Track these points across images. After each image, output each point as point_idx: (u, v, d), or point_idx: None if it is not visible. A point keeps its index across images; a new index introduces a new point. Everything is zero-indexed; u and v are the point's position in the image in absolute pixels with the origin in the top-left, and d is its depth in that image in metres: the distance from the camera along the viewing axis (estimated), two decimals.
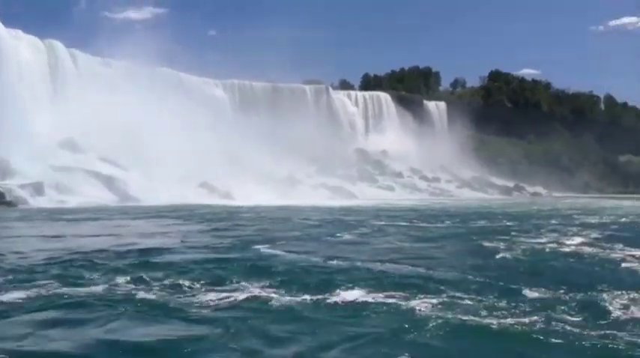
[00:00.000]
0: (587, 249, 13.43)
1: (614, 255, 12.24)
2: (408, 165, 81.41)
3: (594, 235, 17.17)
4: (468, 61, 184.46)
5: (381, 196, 61.07)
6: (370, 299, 7.53)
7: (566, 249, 13.64)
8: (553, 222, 23.74)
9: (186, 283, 8.55)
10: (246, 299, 7.55)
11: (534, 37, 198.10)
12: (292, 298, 7.63)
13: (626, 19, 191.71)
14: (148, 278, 8.87)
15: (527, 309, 7.10)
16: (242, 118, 68.19)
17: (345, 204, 41.08)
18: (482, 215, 29.30)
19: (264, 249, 12.84)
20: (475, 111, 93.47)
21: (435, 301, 7.41)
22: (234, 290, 8.07)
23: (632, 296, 7.90)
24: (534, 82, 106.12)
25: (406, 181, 76.38)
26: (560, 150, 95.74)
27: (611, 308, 7.25)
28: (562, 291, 8.19)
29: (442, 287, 8.34)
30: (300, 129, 70.16)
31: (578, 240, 15.59)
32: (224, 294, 7.80)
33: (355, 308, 7.14)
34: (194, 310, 7.11)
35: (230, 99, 74.73)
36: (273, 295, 7.75)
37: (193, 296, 7.82)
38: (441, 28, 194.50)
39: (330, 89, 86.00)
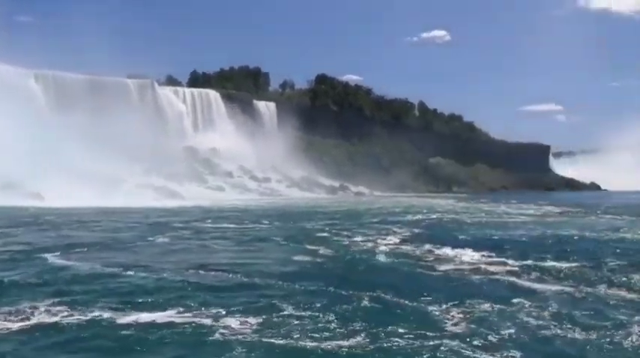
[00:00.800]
0: (405, 249, 13.57)
1: (428, 257, 12.31)
2: (238, 164, 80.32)
3: (410, 233, 17.63)
4: (297, 63, 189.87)
5: (211, 197, 59.17)
6: (173, 320, 6.35)
7: (384, 248, 13.67)
8: (375, 220, 24.32)
9: None
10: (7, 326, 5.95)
11: (357, 45, 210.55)
12: (69, 322, 6.16)
13: (436, 32, 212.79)
14: None
15: (356, 326, 6.42)
16: (58, 113, 61.64)
17: (171, 206, 38.89)
18: (309, 215, 29.36)
19: (54, 258, 10.88)
20: (303, 113, 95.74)
21: (252, 320, 6.42)
22: None
23: (459, 308, 7.60)
24: (357, 87, 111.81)
25: (236, 181, 75.22)
26: (380, 152, 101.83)
27: (440, 319, 6.91)
28: (387, 300, 7.73)
29: (261, 300, 7.46)
30: (124, 126, 65.38)
31: (395, 239, 15.76)
32: None
33: (150, 334, 5.88)
34: None
35: (44, 91, 67.06)
36: (40, 320, 6.22)
37: None
38: (271, 29, 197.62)
39: (156, 84, 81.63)
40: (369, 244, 14.42)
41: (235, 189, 71.53)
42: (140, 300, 7.16)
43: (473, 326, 6.58)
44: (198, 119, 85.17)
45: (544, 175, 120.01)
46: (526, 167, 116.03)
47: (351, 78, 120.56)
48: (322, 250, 13.10)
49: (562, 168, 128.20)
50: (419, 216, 27.67)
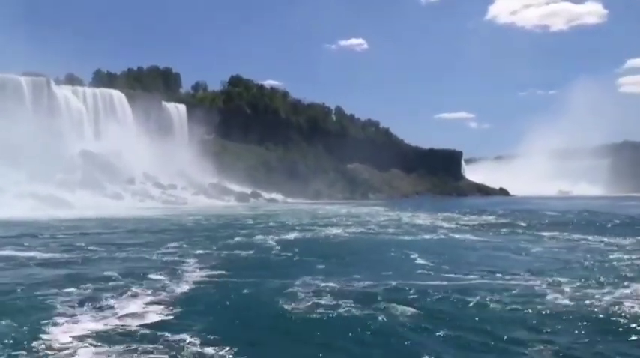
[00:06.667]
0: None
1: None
2: (141, 170, 75.92)
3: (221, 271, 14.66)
4: (213, 65, 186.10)
5: (106, 206, 55.14)
6: None
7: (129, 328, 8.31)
8: (229, 242, 21.94)
9: None
10: None
11: (275, 50, 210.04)
12: None
13: (354, 41, 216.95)
14: None
15: None
16: None
17: (49, 217, 35.15)
18: (173, 233, 26.64)
19: None
20: (216, 116, 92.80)
21: None
22: None
23: None
24: (272, 89, 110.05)
25: (138, 188, 70.95)
26: (296, 157, 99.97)
27: None
28: None
29: None
30: (11, 128, 60.44)
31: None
32: None
33: None
34: None
35: None
36: None
37: None
38: (188, 32, 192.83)
39: (53, 83, 75.86)
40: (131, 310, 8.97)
41: (136, 196, 67.26)
42: None
43: None
44: (99, 121, 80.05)
45: (456, 181, 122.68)
46: (439, 172, 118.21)
47: (271, 83, 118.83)
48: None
49: (473, 174, 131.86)
50: (292, 235, 24.98)
